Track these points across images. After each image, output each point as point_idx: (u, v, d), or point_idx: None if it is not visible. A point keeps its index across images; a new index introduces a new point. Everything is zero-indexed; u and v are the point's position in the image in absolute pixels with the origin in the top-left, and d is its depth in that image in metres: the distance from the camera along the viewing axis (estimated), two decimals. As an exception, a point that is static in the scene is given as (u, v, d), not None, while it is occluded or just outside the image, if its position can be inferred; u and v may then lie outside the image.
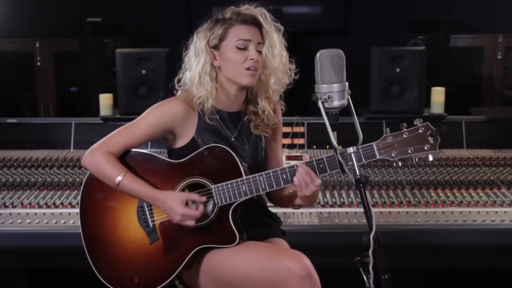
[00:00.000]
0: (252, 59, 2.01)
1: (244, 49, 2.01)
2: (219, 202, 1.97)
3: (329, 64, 1.80)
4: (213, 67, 2.05)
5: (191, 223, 1.95)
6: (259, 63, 2.03)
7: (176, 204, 1.94)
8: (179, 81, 2.12)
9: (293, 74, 2.12)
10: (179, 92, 2.11)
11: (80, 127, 3.40)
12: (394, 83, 3.38)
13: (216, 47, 2.05)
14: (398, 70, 3.37)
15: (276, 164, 2.19)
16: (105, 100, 3.45)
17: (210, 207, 1.99)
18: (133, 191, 2.01)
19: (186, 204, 1.95)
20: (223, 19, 2.05)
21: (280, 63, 2.07)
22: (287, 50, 2.11)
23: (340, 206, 2.67)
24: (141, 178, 2.02)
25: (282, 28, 2.09)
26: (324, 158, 1.92)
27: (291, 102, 2.20)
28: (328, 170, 1.92)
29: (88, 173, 2.09)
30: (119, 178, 1.99)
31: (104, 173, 2.02)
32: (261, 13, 2.05)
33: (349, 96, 1.85)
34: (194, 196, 1.97)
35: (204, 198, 1.97)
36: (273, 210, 2.25)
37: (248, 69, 2.01)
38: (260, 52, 2.04)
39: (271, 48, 2.05)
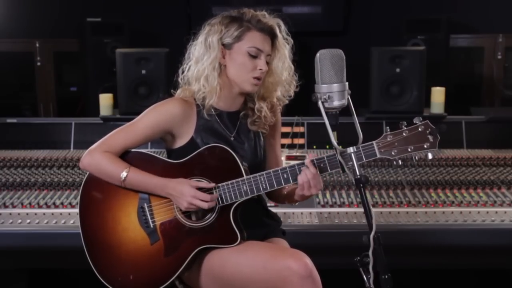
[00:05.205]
0: (260, 69, 2.02)
1: (255, 57, 2.02)
2: (220, 202, 1.97)
3: (329, 64, 1.81)
4: (219, 65, 2.05)
5: (203, 204, 1.93)
6: (264, 73, 2.05)
7: (187, 187, 1.93)
8: (183, 71, 2.11)
9: (295, 86, 2.14)
10: (178, 91, 2.11)
11: (80, 127, 3.40)
12: (394, 83, 3.38)
13: (228, 46, 2.03)
14: (398, 70, 3.37)
15: (274, 163, 2.20)
16: (105, 100, 3.44)
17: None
18: (140, 184, 2.00)
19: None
20: (241, 19, 2.03)
21: (289, 76, 2.10)
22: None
23: (340, 206, 2.67)
24: None
25: (291, 41, 2.10)
26: (325, 158, 1.92)
27: (291, 102, 2.20)
28: (329, 169, 1.93)
29: (87, 174, 2.08)
30: (124, 174, 1.98)
31: (107, 172, 2.01)
32: (278, 25, 2.07)
33: (349, 96, 1.85)
34: (203, 184, 1.96)
35: (212, 184, 1.95)
36: (273, 210, 2.25)
37: (254, 78, 2.02)
38: (267, 62, 2.05)
39: (282, 59, 2.07)
